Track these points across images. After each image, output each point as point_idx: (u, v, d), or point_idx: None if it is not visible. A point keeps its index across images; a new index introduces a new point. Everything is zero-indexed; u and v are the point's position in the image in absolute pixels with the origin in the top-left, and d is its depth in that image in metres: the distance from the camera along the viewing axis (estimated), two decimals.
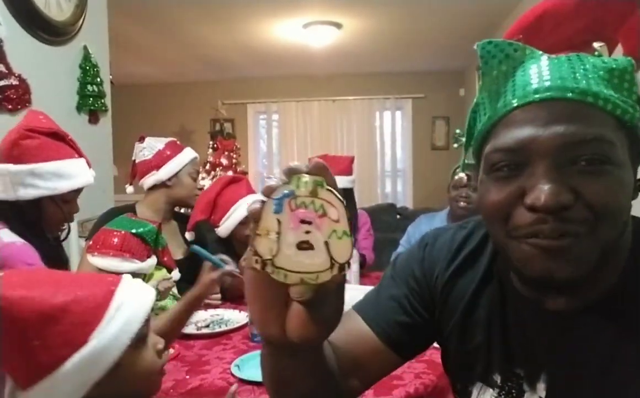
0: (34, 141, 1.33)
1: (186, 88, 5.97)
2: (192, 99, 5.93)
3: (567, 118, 0.51)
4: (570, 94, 0.52)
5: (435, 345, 0.75)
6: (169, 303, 1.52)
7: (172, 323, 1.05)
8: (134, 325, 0.73)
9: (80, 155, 1.43)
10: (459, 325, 0.68)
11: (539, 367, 0.61)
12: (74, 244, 2.06)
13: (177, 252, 1.94)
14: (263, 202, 0.40)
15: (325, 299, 0.43)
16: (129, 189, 1.99)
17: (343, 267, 0.40)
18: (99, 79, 2.45)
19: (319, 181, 0.40)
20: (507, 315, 0.65)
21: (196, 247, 1.52)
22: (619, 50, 0.64)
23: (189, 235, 1.92)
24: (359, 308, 0.73)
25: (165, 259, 1.53)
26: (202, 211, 1.91)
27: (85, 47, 2.39)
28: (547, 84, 0.53)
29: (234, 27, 4.07)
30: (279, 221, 0.40)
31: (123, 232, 1.34)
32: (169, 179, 1.90)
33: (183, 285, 1.67)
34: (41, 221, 1.35)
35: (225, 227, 1.91)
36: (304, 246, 0.40)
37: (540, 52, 0.57)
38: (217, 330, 1.54)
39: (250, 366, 1.22)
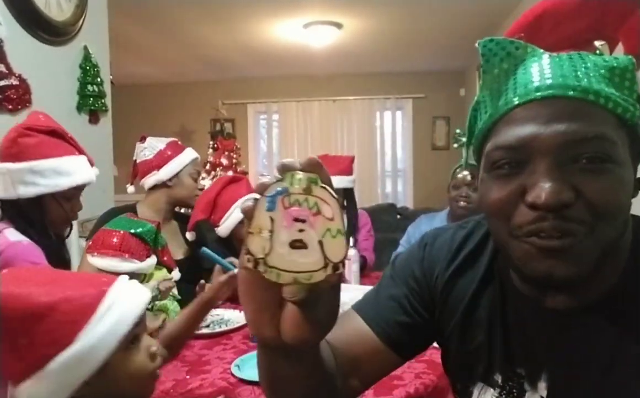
0: (32, 139, 1.33)
1: (186, 88, 5.97)
2: (193, 99, 5.93)
3: (568, 116, 0.51)
4: (572, 92, 0.52)
5: (435, 345, 0.75)
6: (169, 303, 1.52)
7: (183, 327, 1.03)
8: (123, 327, 0.72)
9: (81, 152, 1.43)
10: (459, 325, 0.68)
11: (540, 366, 0.61)
12: (74, 244, 2.06)
13: (178, 252, 1.94)
14: (257, 200, 0.40)
15: (319, 300, 0.43)
16: (130, 189, 1.99)
17: (337, 267, 0.39)
18: (99, 79, 2.46)
19: (313, 179, 0.39)
20: (508, 315, 0.64)
21: (206, 250, 1.52)
22: (619, 49, 0.64)
23: (189, 235, 1.93)
24: (358, 307, 0.73)
25: (165, 259, 1.53)
26: (202, 210, 1.91)
27: (85, 47, 2.40)
28: (549, 82, 0.53)
29: (234, 27, 4.07)
30: (272, 219, 0.39)
31: (122, 232, 1.34)
32: (170, 179, 1.90)
33: (183, 285, 1.67)
34: (43, 219, 1.35)
35: (225, 227, 1.91)
36: (298, 244, 0.39)
37: (542, 50, 0.57)
38: (217, 330, 1.54)
39: (250, 366, 1.22)
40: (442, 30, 4.20)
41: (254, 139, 6.16)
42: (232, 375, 1.20)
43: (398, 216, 4.32)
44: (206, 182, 4.30)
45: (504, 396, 0.64)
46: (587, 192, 0.51)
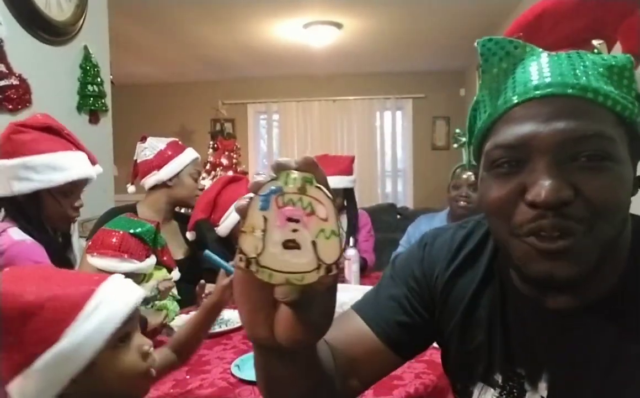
0: (26, 135, 1.33)
1: (186, 88, 5.97)
2: (193, 99, 5.93)
3: (567, 114, 0.51)
4: (571, 90, 0.52)
5: (435, 345, 0.75)
6: (169, 303, 1.51)
7: (191, 334, 1.01)
8: (110, 325, 0.72)
9: (80, 149, 1.42)
10: (459, 325, 0.68)
11: (540, 366, 0.61)
12: (74, 244, 2.06)
13: (178, 252, 1.94)
14: (251, 198, 0.39)
15: (313, 301, 0.42)
16: (131, 188, 1.99)
17: (330, 268, 0.38)
18: (99, 79, 2.46)
19: (308, 178, 0.39)
20: (508, 314, 0.64)
21: (208, 253, 1.51)
22: (617, 48, 0.64)
23: (189, 235, 1.93)
24: (358, 307, 0.73)
25: (165, 258, 1.53)
26: (202, 210, 1.91)
27: (85, 47, 2.40)
28: (548, 80, 0.53)
29: (234, 27, 4.07)
30: (265, 219, 0.38)
31: (121, 232, 1.33)
32: (170, 179, 1.90)
33: (183, 284, 1.67)
34: (40, 215, 1.34)
35: (224, 226, 1.91)
36: (290, 245, 0.38)
37: (540, 49, 0.57)
38: (217, 330, 1.54)
39: (250, 366, 1.21)
40: (442, 30, 4.20)
41: (254, 139, 6.16)
42: (232, 375, 1.20)
43: (398, 216, 4.32)
44: (206, 182, 4.30)
45: (504, 396, 0.64)
46: (586, 190, 0.51)
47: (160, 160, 1.90)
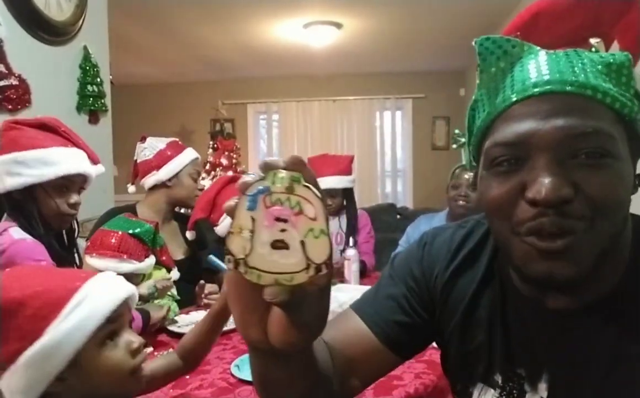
0: (18, 131, 1.33)
1: (186, 88, 5.97)
2: (192, 99, 5.93)
3: (566, 111, 0.51)
4: (569, 87, 0.52)
5: (435, 345, 0.74)
6: (168, 302, 1.52)
7: (197, 340, 0.99)
8: (92, 322, 0.71)
9: (77, 145, 1.41)
10: (459, 325, 0.68)
11: (540, 366, 0.61)
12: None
13: (178, 252, 1.94)
14: (239, 198, 0.39)
15: (303, 302, 0.41)
16: (131, 188, 1.99)
17: (320, 268, 0.38)
18: (99, 79, 2.46)
19: (296, 177, 0.38)
20: (508, 314, 0.64)
21: (212, 258, 1.51)
22: (614, 47, 0.64)
23: (189, 234, 1.93)
24: (356, 307, 0.73)
25: (164, 258, 1.53)
26: (202, 210, 1.91)
27: (85, 47, 2.40)
28: (546, 77, 0.53)
29: (234, 27, 4.07)
30: (253, 219, 0.38)
31: (120, 233, 1.34)
32: (169, 179, 1.90)
33: (183, 284, 1.67)
34: (34, 211, 1.34)
35: (224, 226, 1.91)
36: (279, 245, 0.38)
37: (538, 48, 0.57)
38: None
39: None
40: (442, 30, 4.20)
41: (254, 139, 6.16)
42: (232, 375, 1.20)
43: (398, 216, 4.32)
44: (206, 182, 4.30)
45: (504, 397, 0.63)
46: (586, 187, 0.51)
47: (160, 160, 1.90)
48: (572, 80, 0.52)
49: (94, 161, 1.45)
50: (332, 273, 0.40)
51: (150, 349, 1.33)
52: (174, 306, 1.55)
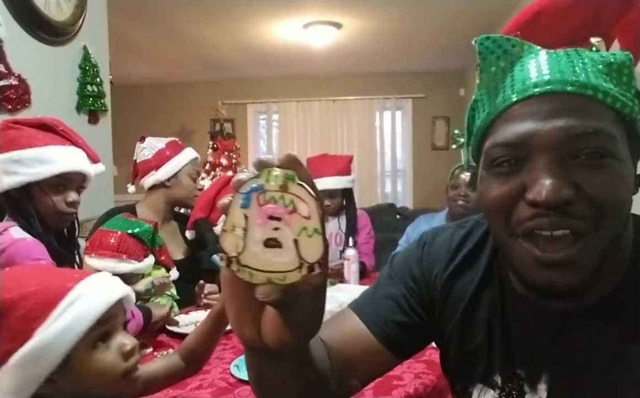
0: (16, 131, 1.33)
1: (186, 88, 5.96)
2: (192, 99, 5.93)
3: (567, 112, 0.51)
4: (570, 87, 0.52)
5: (434, 345, 0.74)
6: (167, 302, 1.51)
7: (199, 342, 0.98)
8: (82, 324, 0.70)
9: (76, 144, 1.41)
10: (459, 325, 0.68)
11: (540, 367, 0.61)
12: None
13: (178, 252, 1.94)
14: (232, 196, 0.38)
15: (296, 301, 0.41)
16: (131, 188, 1.99)
17: (313, 267, 0.37)
18: (98, 79, 2.46)
19: (290, 175, 0.38)
20: (507, 315, 0.64)
21: (216, 258, 1.50)
22: (615, 46, 0.64)
23: (189, 234, 1.93)
24: (355, 306, 0.72)
25: (163, 258, 1.53)
26: (201, 209, 1.91)
27: (85, 47, 2.40)
28: (547, 77, 0.53)
29: (234, 27, 4.07)
30: (246, 217, 0.38)
31: (120, 233, 1.33)
32: (168, 179, 1.90)
33: (182, 284, 1.67)
34: (31, 210, 1.33)
35: None
36: (272, 243, 0.37)
37: (539, 47, 0.56)
38: None
39: None
40: (442, 30, 4.19)
41: (254, 139, 6.15)
42: (232, 375, 1.20)
43: (398, 216, 4.32)
44: (206, 182, 4.30)
45: (503, 397, 0.63)
46: (587, 188, 0.50)
47: (159, 160, 1.90)
48: (572, 80, 0.52)
49: (93, 160, 1.45)
50: (327, 273, 0.40)
51: (150, 350, 1.33)
52: (174, 307, 1.55)
